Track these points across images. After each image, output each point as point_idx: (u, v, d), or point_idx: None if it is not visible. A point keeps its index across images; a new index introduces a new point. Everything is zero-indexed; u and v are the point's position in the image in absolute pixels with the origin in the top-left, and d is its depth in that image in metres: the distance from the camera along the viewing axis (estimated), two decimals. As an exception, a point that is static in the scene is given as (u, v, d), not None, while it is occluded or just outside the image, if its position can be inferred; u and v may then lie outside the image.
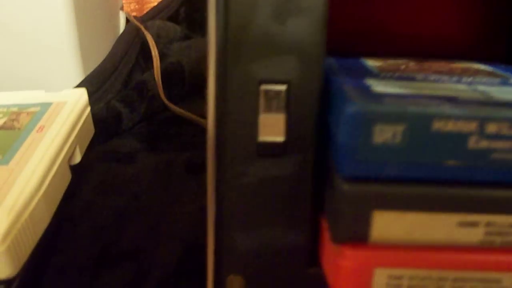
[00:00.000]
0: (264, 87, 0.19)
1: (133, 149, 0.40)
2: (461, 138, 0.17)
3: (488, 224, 0.18)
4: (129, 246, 0.29)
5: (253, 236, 0.21)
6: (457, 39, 0.30)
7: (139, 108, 0.44)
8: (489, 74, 0.24)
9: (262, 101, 0.19)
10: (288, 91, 0.19)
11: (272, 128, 0.19)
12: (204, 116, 0.45)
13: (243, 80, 0.19)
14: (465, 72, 0.24)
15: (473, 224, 0.18)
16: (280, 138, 0.19)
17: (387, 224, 0.18)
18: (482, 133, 0.17)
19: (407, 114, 0.16)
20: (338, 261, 0.18)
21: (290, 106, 0.19)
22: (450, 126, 0.16)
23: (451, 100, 0.18)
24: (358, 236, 0.18)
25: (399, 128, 0.16)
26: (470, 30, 0.29)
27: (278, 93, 0.19)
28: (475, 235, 0.18)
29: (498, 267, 0.18)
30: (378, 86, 0.19)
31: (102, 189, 0.34)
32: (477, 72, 0.24)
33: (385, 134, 0.16)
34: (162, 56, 0.53)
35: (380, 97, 0.17)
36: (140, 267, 0.27)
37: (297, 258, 0.21)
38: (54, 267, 0.27)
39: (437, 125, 0.16)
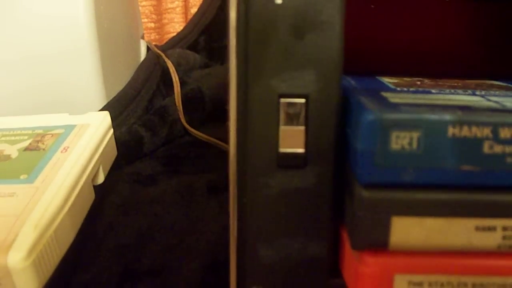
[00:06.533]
0: (283, 100, 0.20)
1: (155, 171, 0.40)
2: (476, 143, 0.17)
3: (505, 228, 0.18)
4: (152, 263, 0.29)
5: (275, 247, 0.21)
6: (471, 57, 0.30)
7: (160, 132, 0.45)
8: (502, 87, 0.24)
9: (282, 114, 0.20)
10: (307, 104, 0.20)
11: (292, 140, 0.20)
12: (223, 139, 0.46)
13: (263, 94, 0.20)
14: (479, 86, 0.24)
15: (491, 229, 0.18)
16: (300, 150, 0.20)
17: (406, 230, 0.18)
18: (496, 138, 0.17)
19: (422, 121, 0.17)
20: (359, 268, 0.19)
21: (309, 118, 0.20)
22: (465, 132, 0.17)
23: (465, 108, 0.18)
24: (377, 242, 0.18)
25: (415, 135, 0.17)
26: (483, 48, 0.30)
27: (297, 106, 0.20)
28: (493, 240, 0.18)
29: (517, 272, 0.18)
30: (395, 98, 0.20)
31: (125, 209, 0.35)
32: (491, 86, 0.24)
33: (401, 140, 0.17)
34: (182, 83, 0.54)
35: (396, 106, 0.18)
36: (163, 284, 0.28)
37: (319, 269, 0.21)
38: (78, 284, 0.28)
39: (452, 131, 0.17)
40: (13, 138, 0.34)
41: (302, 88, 0.19)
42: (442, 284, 0.18)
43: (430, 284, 0.18)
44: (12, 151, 0.33)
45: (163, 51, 0.59)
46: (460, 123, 0.17)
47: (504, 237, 0.18)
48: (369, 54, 0.31)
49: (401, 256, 0.18)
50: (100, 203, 0.34)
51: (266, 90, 0.20)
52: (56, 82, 0.42)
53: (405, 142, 0.17)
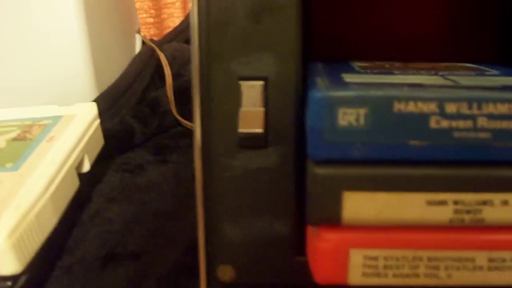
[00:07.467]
0: (243, 83, 0.20)
1: (144, 161, 0.41)
2: (423, 118, 0.17)
3: (456, 202, 0.18)
4: (135, 247, 0.30)
5: (241, 226, 0.22)
6: (448, 41, 0.30)
7: (151, 123, 0.46)
8: (470, 69, 0.24)
9: (242, 97, 0.20)
10: (266, 86, 0.20)
11: (252, 121, 0.20)
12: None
13: (224, 77, 0.20)
14: (447, 68, 0.25)
15: (442, 203, 0.18)
16: (258, 130, 0.20)
17: (357, 205, 0.18)
18: (442, 113, 0.17)
19: (368, 97, 0.17)
20: (316, 243, 0.19)
21: (268, 100, 0.20)
22: (411, 108, 0.17)
23: (415, 85, 0.19)
24: (330, 217, 0.19)
25: (362, 111, 0.17)
26: (460, 32, 0.30)
27: (256, 88, 0.20)
28: (444, 214, 0.18)
29: (470, 245, 0.19)
30: (351, 78, 0.20)
31: (113, 197, 0.35)
32: (460, 68, 0.25)
33: (348, 117, 0.17)
34: (178, 76, 0.55)
35: (345, 84, 0.18)
36: (143, 266, 0.29)
37: (284, 247, 0.22)
38: (62, 267, 0.28)
39: (398, 107, 0.17)
40: (2, 129, 0.35)
41: (261, 71, 0.20)
42: (397, 258, 0.19)
43: (385, 258, 0.19)
44: (1, 141, 0.34)
45: (160, 45, 0.59)
46: (406, 99, 0.17)
47: (455, 211, 0.18)
48: (352, 41, 0.31)
49: (355, 231, 0.19)
50: (88, 191, 0.35)
51: (226, 73, 0.20)
52: (49, 77, 0.43)
53: (352, 118, 0.17)
